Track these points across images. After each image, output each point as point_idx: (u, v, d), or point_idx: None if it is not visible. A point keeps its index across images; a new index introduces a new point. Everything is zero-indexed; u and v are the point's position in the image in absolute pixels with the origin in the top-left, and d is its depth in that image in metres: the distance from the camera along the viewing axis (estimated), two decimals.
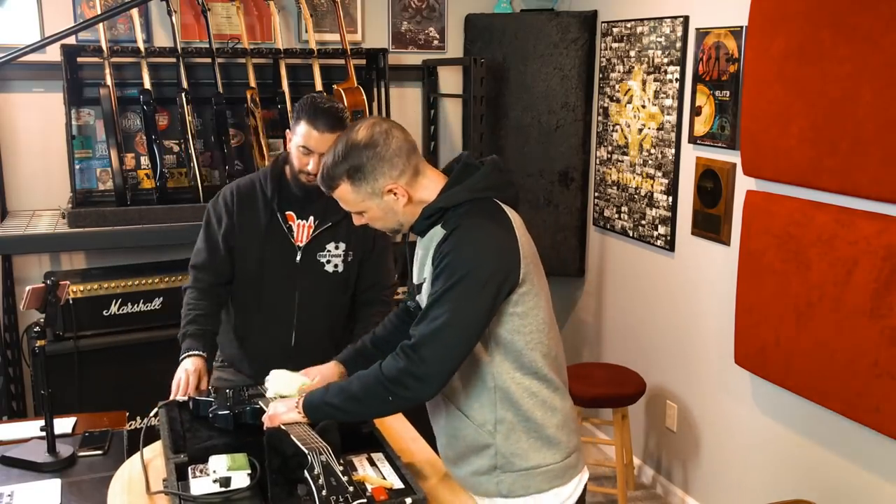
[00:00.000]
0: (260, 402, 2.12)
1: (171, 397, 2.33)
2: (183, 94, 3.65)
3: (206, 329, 2.58)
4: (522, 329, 1.87)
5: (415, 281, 2.00)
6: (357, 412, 1.89)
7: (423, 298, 1.91)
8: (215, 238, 2.63)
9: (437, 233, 1.86)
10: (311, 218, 2.62)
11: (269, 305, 2.64)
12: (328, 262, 2.63)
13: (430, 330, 1.77)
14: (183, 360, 2.49)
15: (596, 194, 4.30)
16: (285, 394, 2.09)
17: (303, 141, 2.47)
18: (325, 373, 2.16)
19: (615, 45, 4.04)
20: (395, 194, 1.86)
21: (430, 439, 2.21)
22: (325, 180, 1.90)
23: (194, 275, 2.66)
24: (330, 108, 2.47)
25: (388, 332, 2.21)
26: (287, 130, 2.59)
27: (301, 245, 2.61)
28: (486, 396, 1.89)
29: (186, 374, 2.40)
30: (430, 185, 1.90)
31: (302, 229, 2.62)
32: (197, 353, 2.50)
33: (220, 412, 2.12)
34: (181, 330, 2.58)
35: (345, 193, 1.89)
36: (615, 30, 4.03)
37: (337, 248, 2.64)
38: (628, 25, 3.93)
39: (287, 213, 2.62)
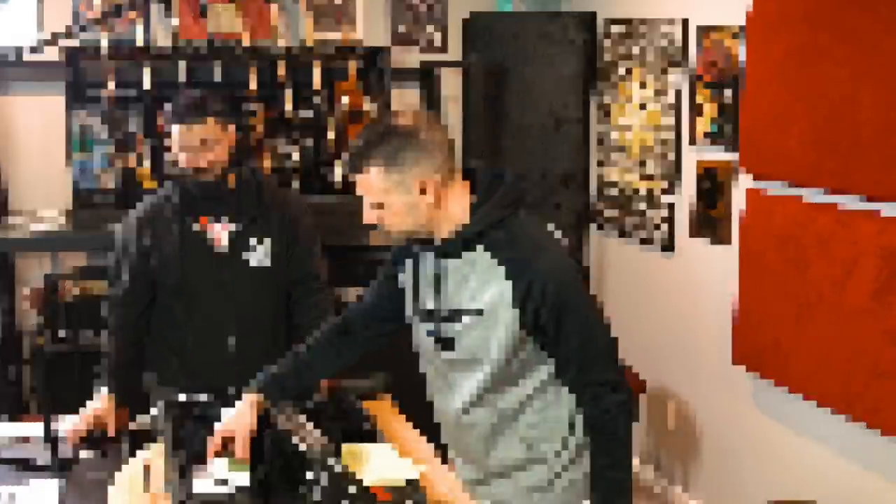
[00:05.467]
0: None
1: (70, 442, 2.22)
2: None
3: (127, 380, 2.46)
4: None
5: (446, 306, 1.81)
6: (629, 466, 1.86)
7: (459, 328, 1.79)
8: (132, 264, 2.54)
9: (482, 257, 1.76)
10: (226, 218, 2.54)
11: (202, 316, 2.55)
12: (253, 258, 2.54)
13: (603, 366, 1.80)
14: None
15: (596, 194, 4.30)
16: (388, 477, 1.87)
17: (181, 142, 2.44)
18: (240, 419, 1.92)
19: (615, 45, 4.04)
20: (425, 192, 1.71)
21: (431, 439, 2.21)
22: (353, 160, 1.73)
23: (116, 312, 2.54)
24: (187, 102, 2.46)
25: (320, 348, 2.07)
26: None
27: (221, 248, 2.54)
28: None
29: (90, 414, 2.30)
30: (459, 196, 1.77)
31: (219, 231, 2.55)
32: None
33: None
34: (106, 368, 2.46)
35: (372, 179, 1.71)
36: (615, 30, 4.03)
37: (261, 242, 2.55)
38: (628, 26, 3.93)
39: (200, 218, 2.54)
